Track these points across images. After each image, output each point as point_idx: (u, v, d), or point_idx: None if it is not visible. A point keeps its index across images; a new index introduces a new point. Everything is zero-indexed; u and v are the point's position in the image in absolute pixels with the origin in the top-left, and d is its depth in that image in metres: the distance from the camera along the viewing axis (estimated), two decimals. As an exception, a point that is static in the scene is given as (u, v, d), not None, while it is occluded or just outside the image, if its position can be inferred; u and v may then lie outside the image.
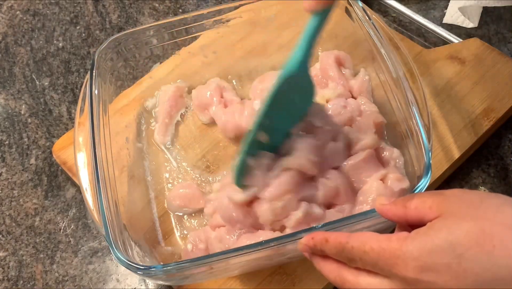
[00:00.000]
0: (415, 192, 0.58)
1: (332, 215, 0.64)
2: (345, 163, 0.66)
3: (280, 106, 0.60)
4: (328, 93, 0.75)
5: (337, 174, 0.65)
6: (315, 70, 0.79)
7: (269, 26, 0.80)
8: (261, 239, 0.61)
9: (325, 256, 0.52)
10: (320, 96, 0.75)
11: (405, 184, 0.64)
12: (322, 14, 0.57)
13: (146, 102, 0.80)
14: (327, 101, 0.74)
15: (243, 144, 0.61)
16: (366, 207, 0.63)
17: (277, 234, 0.62)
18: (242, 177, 0.62)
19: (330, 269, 0.51)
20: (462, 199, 0.46)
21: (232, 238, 0.63)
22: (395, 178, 0.65)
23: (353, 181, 0.66)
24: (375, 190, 0.63)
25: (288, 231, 0.62)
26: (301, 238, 0.56)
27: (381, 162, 0.68)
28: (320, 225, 0.57)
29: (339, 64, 0.79)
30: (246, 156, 0.61)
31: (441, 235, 0.44)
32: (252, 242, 0.60)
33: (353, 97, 0.76)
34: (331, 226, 0.57)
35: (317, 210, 0.63)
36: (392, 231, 0.68)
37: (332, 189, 0.64)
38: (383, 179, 0.66)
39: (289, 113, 0.62)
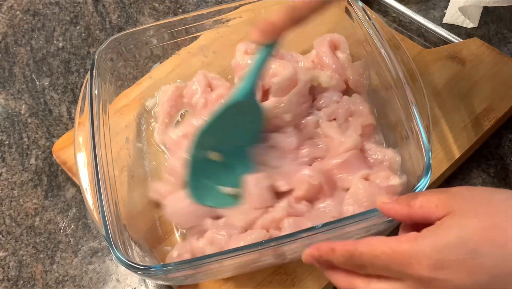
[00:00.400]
0: (415, 191, 0.58)
1: (316, 213, 0.64)
2: (328, 163, 0.68)
3: (227, 129, 0.66)
4: (323, 78, 0.75)
5: (319, 169, 0.67)
6: (311, 57, 0.78)
7: (269, 26, 0.80)
8: (251, 238, 0.61)
9: (332, 266, 0.52)
10: (314, 77, 0.75)
11: (394, 180, 0.64)
12: (269, 47, 0.62)
13: (146, 102, 0.80)
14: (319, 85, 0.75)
15: (187, 169, 0.67)
16: (356, 209, 0.63)
17: (264, 233, 0.62)
18: (202, 197, 0.67)
19: (339, 279, 0.51)
20: (470, 196, 0.46)
21: (222, 236, 0.63)
22: (383, 176, 0.65)
23: (337, 179, 0.67)
24: (362, 189, 0.64)
25: (283, 230, 0.62)
26: (301, 238, 0.56)
27: (373, 163, 0.68)
28: (320, 225, 0.57)
29: (334, 48, 0.78)
30: (192, 177, 0.67)
31: (452, 233, 0.44)
32: (252, 242, 0.60)
33: (348, 88, 0.75)
34: (331, 225, 0.57)
35: (299, 206, 0.64)
36: (392, 233, 0.68)
37: (313, 186, 0.65)
38: (368, 178, 0.66)
39: (239, 134, 0.68)
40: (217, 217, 0.67)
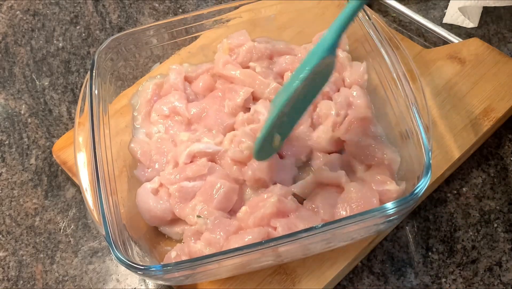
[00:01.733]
0: (415, 192, 0.58)
1: (306, 213, 0.64)
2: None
3: (303, 88, 0.60)
4: None
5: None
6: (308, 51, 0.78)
7: (269, 26, 0.80)
8: (250, 238, 0.61)
9: None
10: None
11: (391, 186, 0.64)
12: None
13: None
14: None
15: (266, 123, 0.63)
16: (349, 213, 0.63)
17: (263, 231, 0.62)
18: (260, 154, 0.66)
19: None
20: None
21: (219, 235, 0.63)
22: (380, 180, 0.65)
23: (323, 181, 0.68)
24: (355, 193, 0.64)
25: (280, 229, 0.62)
26: (300, 238, 0.56)
27: (371, 160, 0.68)
28: (320, 225, 0.57)
29: None
30: (265, 135, 0.63)
31: None
32: (252, 242, 0.60)
33: (344, 86, 0.76)
34: (331, 225, 0.57)
35: (288, 201, 0.64)
36: (393, 233, 0.68)
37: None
38: (364, 178, 0.66)
39: (308, 92, 0.62)
40: (174, 221, 0.68)
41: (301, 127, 0.71)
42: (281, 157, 0.70)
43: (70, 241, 0.73)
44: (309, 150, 0.71)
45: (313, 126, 0.72)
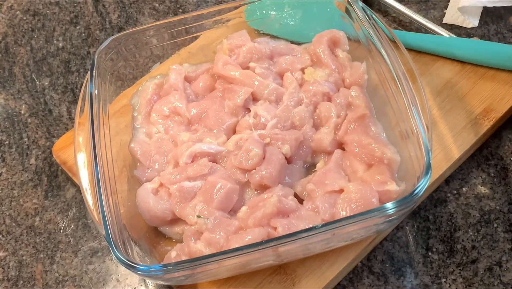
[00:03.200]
0: (415, 192, 0.58)
1: (307, 213, 0.64)
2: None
3: None
4: (319, 73, 0.75)
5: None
6: (310, 50, 0.77)
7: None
8: (250, 238, 0.61)
9: None
10: (309, 73, 0.75)
11: (391, 186, 0.64)
12: None
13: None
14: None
15: None
16: (349, 213, 0.63)
17: (263, 231, 0.62)
18: None
19: None
20: None
21: (219, 235, 0.63)
22: (380, 180, 0.65)
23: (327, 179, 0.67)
24: (354, 193, 0.64)
25: (280, 229, 0.62)
26: (300, 238, 0.56)
27: (370, 160, 0.68)
28: (320, 225, 0.57)
29: (334, 45, 0.77)
30: None
31: None
32: (252, 242, 0.60)
33: (344, 86, 0.76)
34: (331, 225, 0.57)
35: (289, 201, 0.64)
36: (392, 233, 0.68)
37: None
38: (363, 178, 0.66)
39: None
40: (174, 221, 0.68)
41: (305, 128, 0.71)
42: (289, 161, 0.70)
43: (70, 241, 0.73)
44: (312, 150, 0.71)
45: (315, 127, 0.72)
